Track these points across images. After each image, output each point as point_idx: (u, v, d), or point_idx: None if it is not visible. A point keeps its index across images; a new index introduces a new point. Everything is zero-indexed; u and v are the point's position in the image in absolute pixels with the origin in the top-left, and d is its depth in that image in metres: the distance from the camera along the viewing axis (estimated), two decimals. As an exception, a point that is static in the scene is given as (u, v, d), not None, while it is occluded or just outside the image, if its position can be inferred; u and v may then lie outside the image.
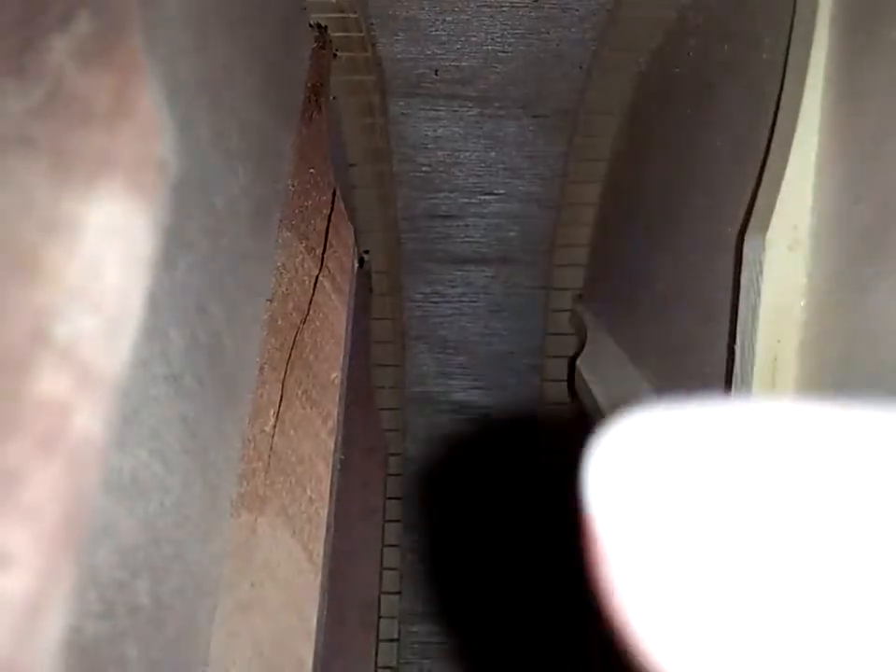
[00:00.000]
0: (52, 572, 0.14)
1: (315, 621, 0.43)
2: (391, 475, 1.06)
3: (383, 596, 1.03)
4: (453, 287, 1.00)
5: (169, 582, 0.35)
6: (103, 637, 0.29)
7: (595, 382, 0.70)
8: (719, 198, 0.55)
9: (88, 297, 0.16)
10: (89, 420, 0.15)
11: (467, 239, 0.95)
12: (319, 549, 0.45)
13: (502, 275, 0.98)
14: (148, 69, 0.20)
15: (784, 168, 0.41)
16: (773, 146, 0.43)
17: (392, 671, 1.04)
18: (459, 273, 0.98)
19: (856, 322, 0.37)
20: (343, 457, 0.58)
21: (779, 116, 0.43)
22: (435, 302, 1.01)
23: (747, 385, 0.42)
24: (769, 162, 0.43)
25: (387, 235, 0.94)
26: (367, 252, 0.93)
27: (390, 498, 1.06)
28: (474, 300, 1.01)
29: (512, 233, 0.94)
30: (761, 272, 0.41)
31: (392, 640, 1.05)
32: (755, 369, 0.41)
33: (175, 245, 0.35)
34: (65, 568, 0.14)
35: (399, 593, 1.06)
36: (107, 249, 0.17)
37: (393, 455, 1.07)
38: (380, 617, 1.02)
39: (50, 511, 0.14)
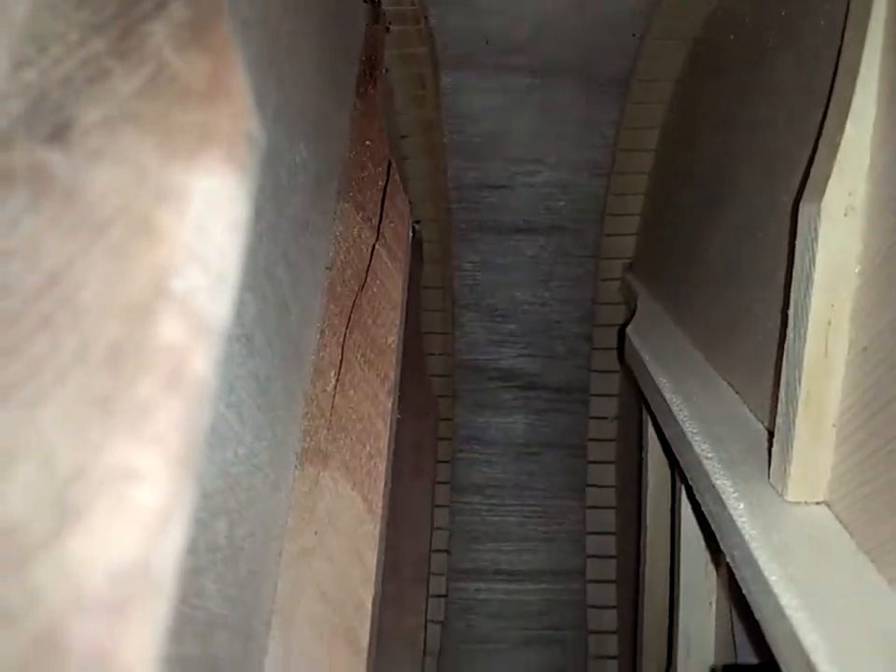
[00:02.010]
0: (176, 490, 0.16)
1: (374, 567, 0.45)
2: (441, 439, 1.09)
3: (433, 554, 1.07)
4: (502, 256, 1.01)
5: (242, 526, 0.38)
6: (187, 570, 0.32)
7: (645, 349, 0.71)
8: (774, 165, 0.55)
9: (198, 255, 0.18)
10: (202, 363, 0.17)
11: (516, 208, 0.96)
12: (378, 500, 0.47)
13: (551, 244, 0.99)
14: (238, 50, 0.22)
15: (841, 134, 0.41)
16: (829, 112, 0.43)
17: (440, 625, 1.08)
18: (509, 242, 1.00)
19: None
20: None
21: (837, 82, 0.43)
22: (484, 271, 1.02)
23: (799, 352, 0.43)
24: (825, 129, 0.43)
25: (438, 205, 0.95)
26: (418, 222, 0.95)
27: (440, 461, 1.09)
28: (523, 269, 1.02)
29: (562, 202, 0.95)
30: (815, 238, 0.41)
31: (441, 596, 1.09)
32: (808, 335, 0.42)
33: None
34: (186, 488, 0.17)
35: (448, 551, 1.10)
36: (211, 214, 0.19)
37: (443, 420, 1.10)
38: (430, 573, 1.06)
39: (174, 438, 0.16)
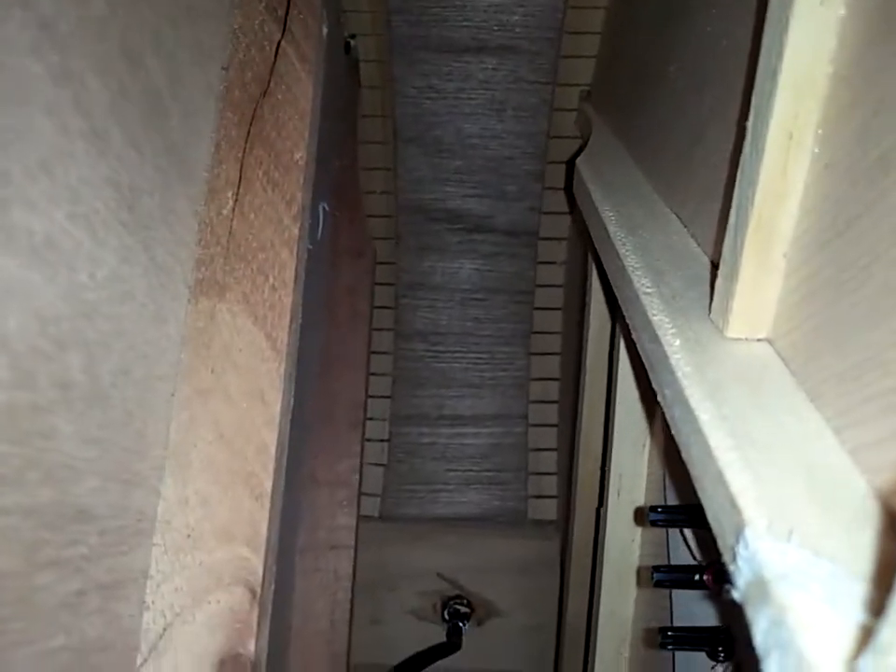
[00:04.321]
0: None
1: (278, 407, 0.41)
2: (383, 284, 1.04)
3: (375, 400, 1.05)
4: (449, 80, 0.91)
5: (109, 361, 0.33)
6: (22, 405, 0.27)
7: (593, 181, 0.65)
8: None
9: None
10: None
11: (465, 23, 0.85)
12: (283, 336, 0.42)
13: (504, 68, 0.89)
14: None
15: None
16: None
17: (383, 468, 1.08)
18: (457, 64, 0.89)
19: (884, 90, 0.31)
20: (314, 255, 0.54)
21: None
22: (430, 98, 0.93)
23: (755, 170, 0.37)
24: None
25: (376, 17, 0.84)
26: (353, 37, 0.84)
27: (382, 307, 1.05)
28: (472, 96, 0.92)
29: (516, 17, 0.84)
30: (785, 31, 0.34)
31: (383, 441, 1.08)
32: (766, 149, 0.36)
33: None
34: None
35: (391, 397, 1.08)
36: None
37: (386, 263, 1.04)
38: (372, 419, 1.05)
39: None
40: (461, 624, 1.05)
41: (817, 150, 0.36)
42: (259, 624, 0.39)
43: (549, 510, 1.09)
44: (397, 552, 1.07)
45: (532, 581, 1.06)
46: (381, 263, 1.02)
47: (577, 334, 0.88)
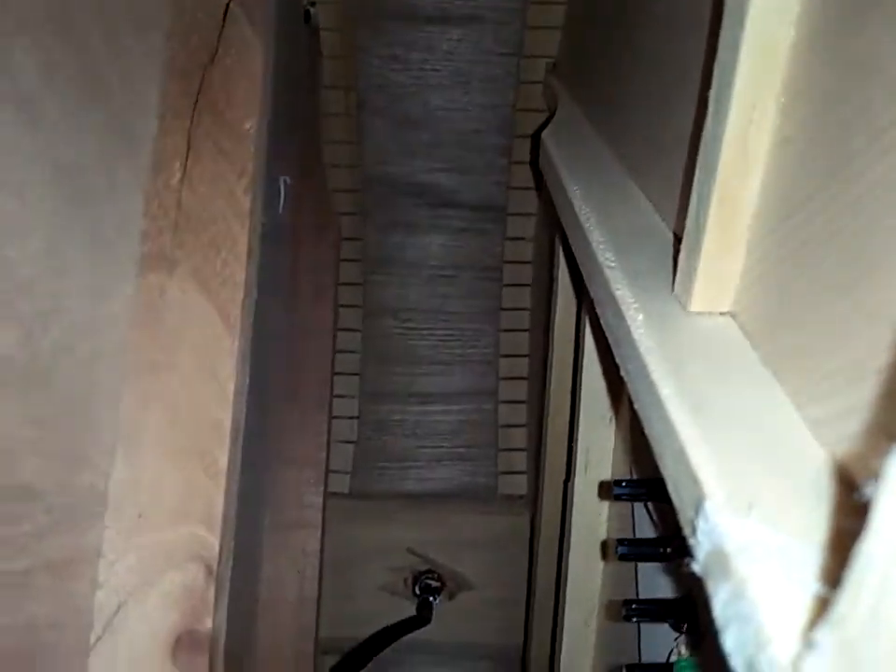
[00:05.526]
0: None
1: (232, 384, 0.40)
2: (350, 260, 1.02)
3: (345, 377, 1.04)
4: (414, 50, 0.89)
5: (47, 338, 0.32)
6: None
7: (559, 155, 0.64)
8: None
9: None
10: None
11: (427, -10, 0.83)
12: (237, 312, 0.41)
13: (468, 39, 0.87)
14: None
15: None
16: None
17: (353, 444, 1.07)
18: (421, 34, 0.87)
19: (848, 53, 0.31)
20: (275, 229, 0.53)
21: None
22: (394, 69, 0.90)
23: (718, 140, 0.37)
24: None
25: (337, -17, 0.81)
26: (313, 4, 0.81)
27: (350, 283, 1.03)
28: (437, 67, 0.90)
29: (481, -15, 0.82)
30: (748, -6, 0.33)
31: (353, 418, 1.07)
32: (729, 120, 0.35)
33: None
34: None
35: (360, 374, 1.07)
36: None
37: (351, 239, 1.02)
38: (341, 396, 1.03)
39: None
40: (431, 599, 1.05)
41: (778, 121, 0.35)
42: (217, 601, 0.38)
43: (519, 485, 1.09)
44: (367, 528, 1.06)
45: (502, 556, 1.07)
46: (347, 239, 1.01)
47: (545, 310, 0.87)
